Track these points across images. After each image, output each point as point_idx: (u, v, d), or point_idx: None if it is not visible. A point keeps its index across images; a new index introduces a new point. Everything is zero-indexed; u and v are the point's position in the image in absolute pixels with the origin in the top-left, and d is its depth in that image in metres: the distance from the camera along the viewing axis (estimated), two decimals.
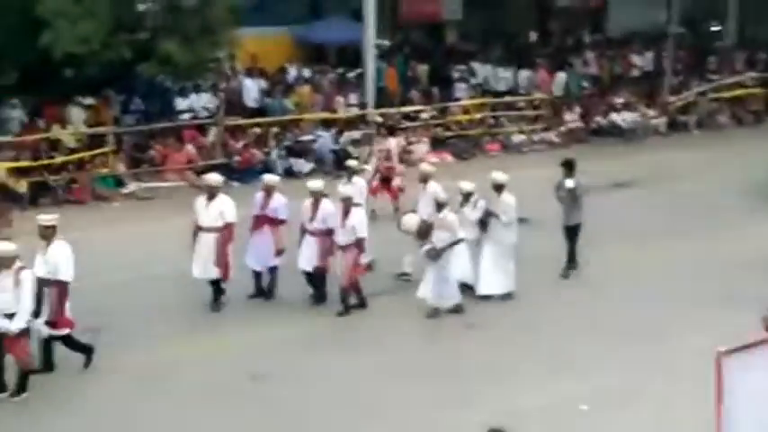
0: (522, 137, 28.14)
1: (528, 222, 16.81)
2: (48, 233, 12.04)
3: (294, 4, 29.29)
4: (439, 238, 14.28)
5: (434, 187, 15.51)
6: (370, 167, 19.06)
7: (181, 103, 24.87)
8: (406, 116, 27.07)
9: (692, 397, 10.15)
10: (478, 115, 28.25)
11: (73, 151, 22.08)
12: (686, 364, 11.78)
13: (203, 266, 14.23)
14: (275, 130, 24.82)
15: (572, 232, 16.40)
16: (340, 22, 28.99)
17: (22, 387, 11.41)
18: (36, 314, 11.31)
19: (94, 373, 12.13)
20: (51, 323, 11.79)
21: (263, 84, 26.36)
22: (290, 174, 23.63)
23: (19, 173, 20.94)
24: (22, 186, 20.63)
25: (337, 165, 24.11)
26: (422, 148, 26.01)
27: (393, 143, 19.26)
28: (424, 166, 16.77)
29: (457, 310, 14.49)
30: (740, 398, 6.24)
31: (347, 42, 28.92)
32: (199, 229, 14.23)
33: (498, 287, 15.07)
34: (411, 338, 13.64)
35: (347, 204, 14.28)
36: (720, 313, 13.62)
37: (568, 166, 16.44)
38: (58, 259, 11.86)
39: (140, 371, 12.25)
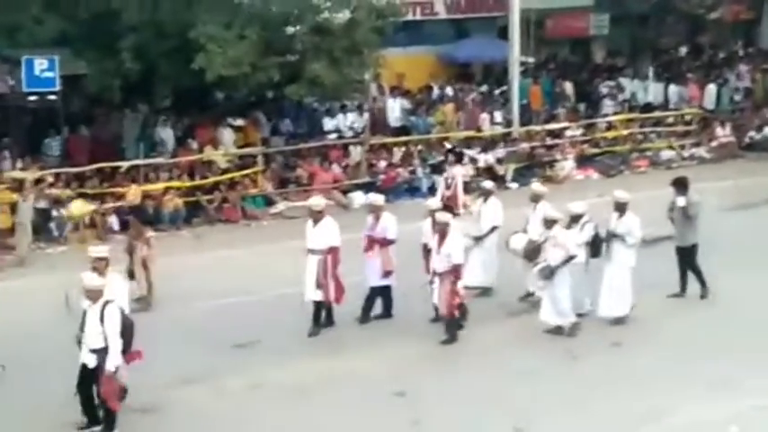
0: (672, 152, 27.55)
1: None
2: (100, 266, 11.49)
3: (440, 23, 29.48)
4: (553, 256, 13.92)
5: (545, 207, 15.09)
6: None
7: (327, 124, 25.28)
8: (552, 133, 26.89)
9: None
10: (626, 131, 27.81)
11: (224, 172, 22.70)
12: None
13: (310, 288, 14.13)
14: (420, 148, 24.97)
15: (686, 253, 15.62)
16: (485, 40, 29.03)
17: (109, 425, 10.99)
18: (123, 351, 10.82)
19: (245, 388, 12.35)
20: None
21: (406, 103, 26.56)
22: (434, 192, 23.69)
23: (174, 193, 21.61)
24: (177, 205, 21.28)
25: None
26: (568, 165, 25.76)
27: (459, 171, 18.57)
28: (535, 187, 16.43)
29: (573, 329, 14.06)
30: None
31: (492, 60, 28.93)
32: (307, 251, 14.13)
33: (617, 309, 14.52)
34: (551, 355, 13.42)
35: (443, 229, 13.74)
36: None
37: (680, 185, 15.74)
38: (110, 293, 11.10)
39: (293, 385, 12.42)
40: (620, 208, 14.60)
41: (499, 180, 24.74)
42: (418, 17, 28.63)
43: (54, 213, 20.31)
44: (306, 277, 14.11)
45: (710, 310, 15.07)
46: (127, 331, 10.83)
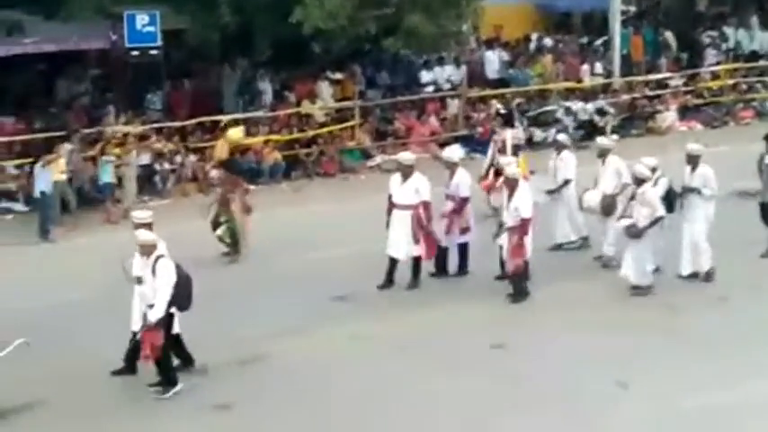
0: None
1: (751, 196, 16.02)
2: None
3: None
4: (640, 214, 13.58)
5: (615, 161, 14.99)
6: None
7: (424, 76, 25.15)
8: (654, 84, 26.38)
9: None
10: (730, 81, 27.12)
11: (321, 125, 22.81)
12: None
13: (398, 245, 14.06)
14: (518, 101, 24.71)
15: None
16: None
17: (167, 381, 10.95)
18: (176, 306, 10.87)
19: (344, 340, 12.48)
20: None
21: (504, 55, 26.27)
22: (533, 145, 23.52)
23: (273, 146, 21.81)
24: (276, 159, 21.48)
25: (585, 135, 23.87)
26: (670, 116, 25.27)
27: (509, 134, 18.06)
28: (602, 141, 16.07)
29: (647, 291, 13.79)
30: None
31: (593, 9, 28.40)
32: (393, 206, 14.07)
33: (702, 264, 14.19)
34: (650, 310, 13.25)
35: (512, 184, 13.56)
36: None
37: None
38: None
39: (392, 337, 12.51)
40: (693, 161, 14.16)
41: (599, 132, 24.44)
42: None
43: (157, 167, 20.69)
44: (391, 233, 14.07)
45: None
46: (182, 286, 10.84)
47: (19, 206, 19.36)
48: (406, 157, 14.45)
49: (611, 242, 14.77)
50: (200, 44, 22.19)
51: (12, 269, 15.47)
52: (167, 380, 10.92)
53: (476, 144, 22.49)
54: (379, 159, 22.38)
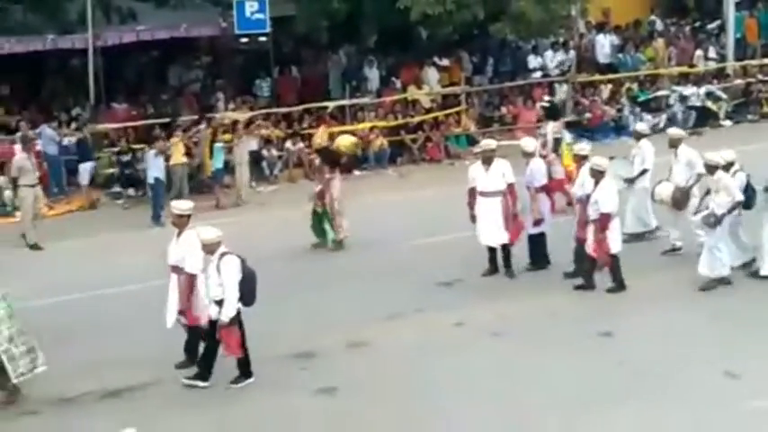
0: None
1: None
2: (181, 222, 11.28)
3: None
4: (717, 202, 13.00)
5: (686, 152, 14.49)
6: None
7: (532, 61, 24.92)
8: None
9: None
10: None
11: (427, 111, 22.77)
12: None
13: (490, 233, 13.85)
14: (628, 86, 24.29)
15: None
16: None
17: (243, 374, 10.97)
18: (242, 302, 10.72)
19: (453, 327, 12.45)
20: (181, 312, 11.23)
21: (615, 39, 25.84)
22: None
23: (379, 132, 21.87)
24: (382, 145, 21.54)
25: (698, 121, 23.40)
26: None
27: (550, 127, 17.44)
28: (672, 131, 15.43)
29: (723, 281, 13.20)
30: None
31: None
32: (479, 195, 13.79)
33: None
34: (749, 297, 12.91)
35: (597, 176, 13.05)
36: None
37: None
38: (187, 250, 11.08)
39: (496, 324, 12.45)
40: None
41: (713, 118, 23.92)
42: None
43: (265, 153, 20.93)
44: (480, 222, 13.89)
45: None
46: (247, 282, 10.78)
47: (131, 191, 19.80)
48: (487, 142, 14.30)
49: (679, 236, 14.37)
50: (308, 31, 22.35)
51: (126, 253, 15.84)
52: (243, 373, 11.01)
53: (583, 130, 22.22)
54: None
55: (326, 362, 11.51)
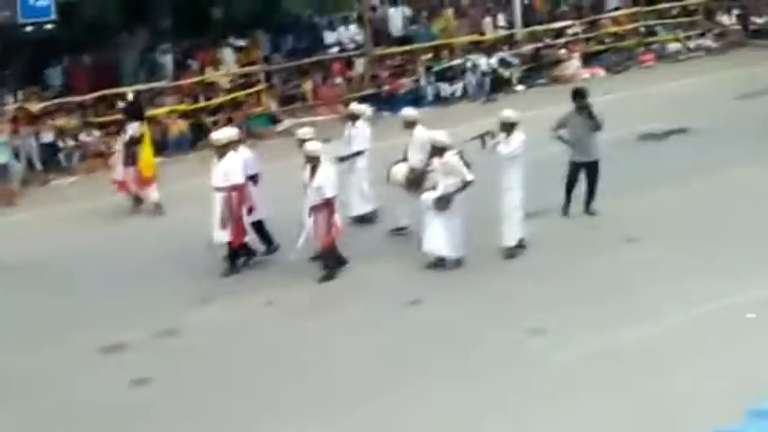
0: (678, 45, 27.25)
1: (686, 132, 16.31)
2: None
3: None
4: (446, 184, 12.90)
5: (422, 132, 14.11)
6: None
7: (329, 37, 25.00)
8: (556, 32, 26.60)
9: None
10: (630, 26, 27.48)
11: (227, 93, 22.54)
12: None
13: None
14: (425, 56, 24.70)
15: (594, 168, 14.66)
16: None
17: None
18: None
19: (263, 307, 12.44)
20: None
21: (406, 11, 26.22)
22: (440, 100, 23.66)
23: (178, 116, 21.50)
24: (181, 129, 21.19)
25: (492, 87, 24.02)
26: (573, 64, 25.51)
27: (132, 128, 16.48)
28: (406, 112, 15.06)
29: (459, 263, 13.20)
30: None
31: None
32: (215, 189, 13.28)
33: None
34: (564, 254, 13.44)
35: (313, 162, 12.85)
36: None
37: (579, 96, 14.60)
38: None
39: (303, 302, 12.56)
40: (507, 128, 13.27)
41: (506, 84, 24.63)
42: None
43: (60, 144, 20.27)
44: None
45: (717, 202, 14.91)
46: None
47: None
48: (219, 135, 13.68)
49: (406, 214, 14.21)
50: (97, 15, 21.67)
51: None
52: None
53: (382, 102, 22.48)
54: (287, 124, 22.21)
55: (137, 353, 11.31)
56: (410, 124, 14.49)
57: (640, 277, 12.42)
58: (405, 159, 14.08)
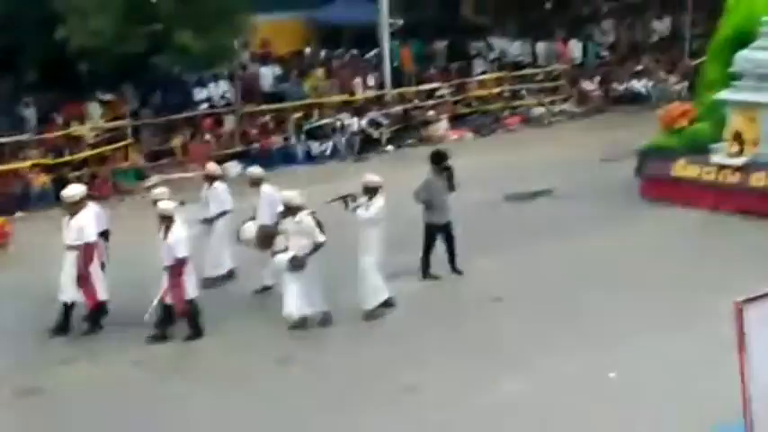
0: (542, 109, 27.97)
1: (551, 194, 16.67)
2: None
3: None
4: (299, 245, 12.87)
5: (269, 190, 14.25)
6: None
7: (199, 94, 24.84)
8: (425, 94, 27.02)
9: None
10: (497, 89, 28.11)
11: (93, 147, 22.11)
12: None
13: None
14: (296, 115, 24.74)
15: (448, 229, 14.86)
16: (354, 3, 28.87)
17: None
18: None
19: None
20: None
21: (277, 69, 26.29)
22: (311, 158, 23.73)
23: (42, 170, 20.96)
24: (44, 184, 20.65)
25: (362, 147, 24.18)
26: (442, 125, 25.92)
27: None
28: (252, 170, 15.18)
29: (325, 318, 13.21)
30: (759, 350, 6.11)
31: (362, 23, 28.81)
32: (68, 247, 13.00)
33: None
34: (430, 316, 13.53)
35: (166, 222, 12.68)
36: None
37: (439, 158, 14.91)
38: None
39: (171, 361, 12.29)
40: (369, 191, 13.26)
41: (374, 144, 24.84)
42: None
43: None
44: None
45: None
46: None
47: None
48: (68, 193, 13.24)
49: (271, 274, 13.95)
50: None
51: None
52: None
53: (252, 160, 22.38)
54: (155, 179, 21.87)
55: None
56: (256, 182, 14.51)
57: (507, 336, 12.58)
58: (253, 218, 14.04)
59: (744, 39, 18.01)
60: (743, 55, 17.75)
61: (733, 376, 6.01)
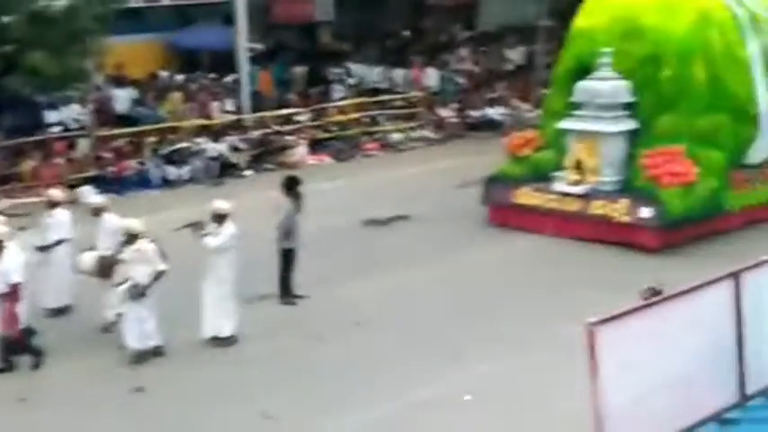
0: (400, 135, 28.24)
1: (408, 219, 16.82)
2: None
3: (163, 10, 28.90)
4: (139, 272, 12.59)
5: (112, 219, 13.85)
6: None
7: (51, 116, 24.22)
8: (284, 119, 26.98)
9: None
10: (356, 115, 28.26)
11: None
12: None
13: None
14: (152, 139, 24.35)
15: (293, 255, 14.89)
16: (211, 27, 28.70)
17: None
18: None
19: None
20: None
21: (133, 93, 25.86)
22: (167, 183, 23.36)
23: None
24: None
25: (221, 172, 23.95)
26: (300, 150, 25.89)
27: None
28: (93, 199, 14.97)
29: (158, 352, 12.90)
30: (613, 369, 6.27)
31: (220, 48, 28.61)
32: None
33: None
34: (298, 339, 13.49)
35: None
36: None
37: (292, 183, 15.02)
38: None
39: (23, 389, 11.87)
40: (218, 219, 13.15)
41: (233, 168, 24.62)
42: (141, 4, 27.93)
43: None
44: None
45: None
46: None
47: None
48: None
49: (112, 306, 13.34)
50: None
51: None
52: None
53: (107, 184, 21.94)
54: (4, 204, 21.18)
55: None
56: (98, 211, 14.16)
57: (366, 361, 12.61)
58: (92, 248, 13.66)
59: (585, 69, 18.49)
60: (583, 85, 18.23)
61: (585, 397, 6.14)
